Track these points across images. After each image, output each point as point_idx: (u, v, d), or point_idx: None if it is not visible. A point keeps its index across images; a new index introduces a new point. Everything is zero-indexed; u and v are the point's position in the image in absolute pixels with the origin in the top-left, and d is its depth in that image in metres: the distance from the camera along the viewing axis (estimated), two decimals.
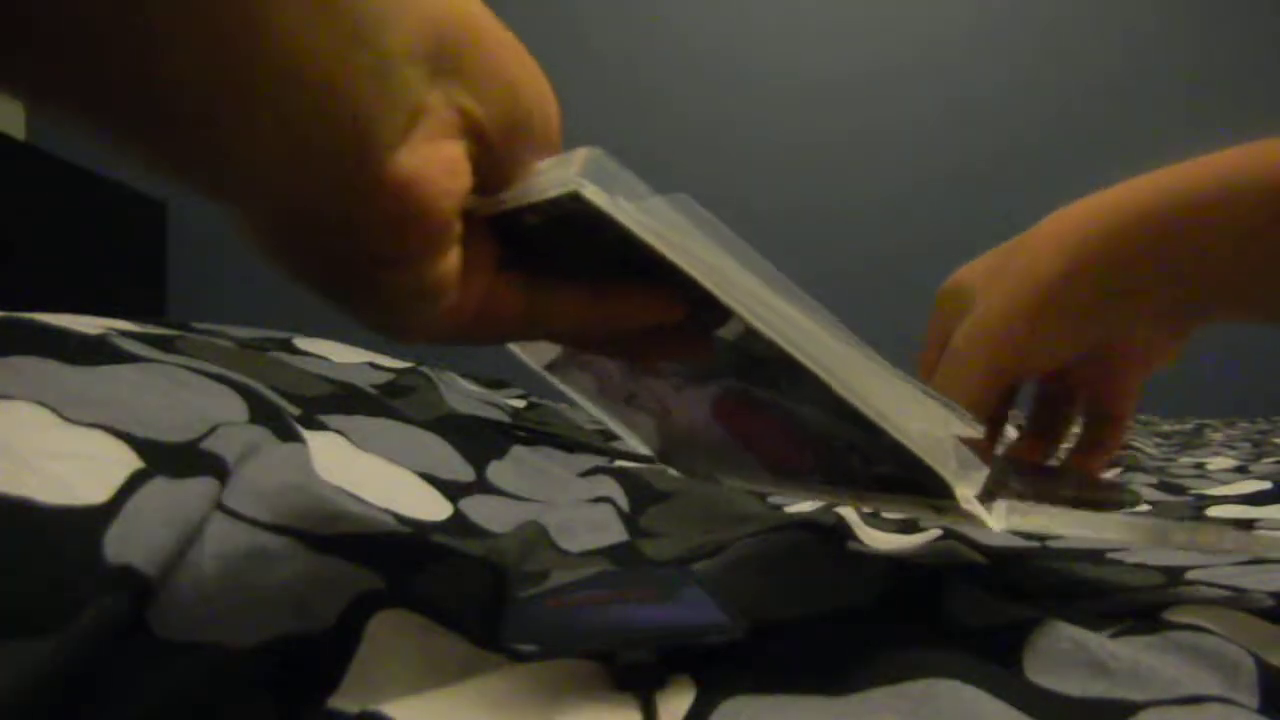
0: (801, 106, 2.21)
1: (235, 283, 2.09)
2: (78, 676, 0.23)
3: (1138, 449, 1.10)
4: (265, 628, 0.28)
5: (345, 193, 0.19)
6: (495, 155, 0.22)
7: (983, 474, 0.27)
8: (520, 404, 1.01)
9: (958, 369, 0.35)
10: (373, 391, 0.64)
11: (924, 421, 0.26)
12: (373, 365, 0.77)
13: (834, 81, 2.21)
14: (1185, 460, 1.04)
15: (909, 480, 0.28)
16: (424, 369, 0.82)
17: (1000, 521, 0.28)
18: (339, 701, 0.26)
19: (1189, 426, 1.64)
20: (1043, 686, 0.28)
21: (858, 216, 2.19)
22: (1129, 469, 0.86)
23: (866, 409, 0.25)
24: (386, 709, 0.25)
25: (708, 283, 0.23)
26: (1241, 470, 0.90)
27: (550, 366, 0.39)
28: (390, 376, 0.74)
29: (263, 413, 0.46)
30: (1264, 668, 0.28)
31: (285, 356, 0.67)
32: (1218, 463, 0.99)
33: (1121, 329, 0.35)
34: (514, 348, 0.37)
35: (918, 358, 0.41)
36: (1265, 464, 0.94)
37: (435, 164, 0.20)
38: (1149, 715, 0.26)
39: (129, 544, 0.29)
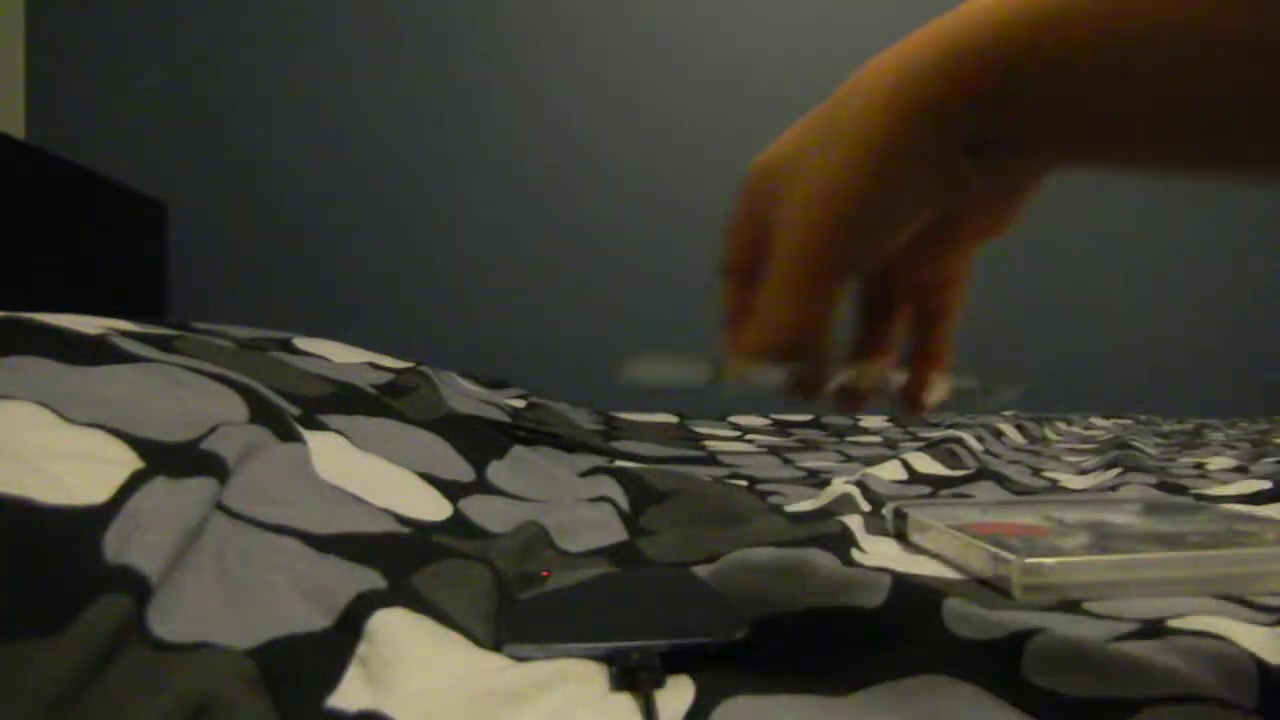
0: (801, 107, 2.21)
1: (235, 283, 2.10)
2: (78, 676, 0.23)
3: (1138, 449, 1.10)
4: (265, 628, 0.28)
5: None
6: None
7: None
8: (520, 404, 1.01)
9: (782, 267, 0.29)
10: (373, 391, 0.64)
11: None
12: (373, 365, 0.77)
13: (835, 82, 2.21)
14: (1185, 460, 1.04)
15: None
16: (424, 369, 0.82)
17: None
18: (339, 701, 0.26)
19: (1189, 426, 1.64)
20: (1041, 686, 0.28)
21: None
22: (1130, 469, 0.86)
23: None
24: (386, 709, 0.25)
25: None
26: (1241, 470, 0.90)
27: None
28: (390, 376, 0.74)
29: (263, 413, 0.46)
30: (1264, 669, 0.28)
31: (285, 356, 0.67)
32: (1218, 463, 0.99)
33: (961, 191, 0.28)
34: None
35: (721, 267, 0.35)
36: (1265, 464, 0.94)
37: None
38: (1147, 715, 0.26)
39: (129, 544, 0.29)
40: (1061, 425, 1.59)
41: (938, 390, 0.36)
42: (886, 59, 0.28)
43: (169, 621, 0.27)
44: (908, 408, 0.36)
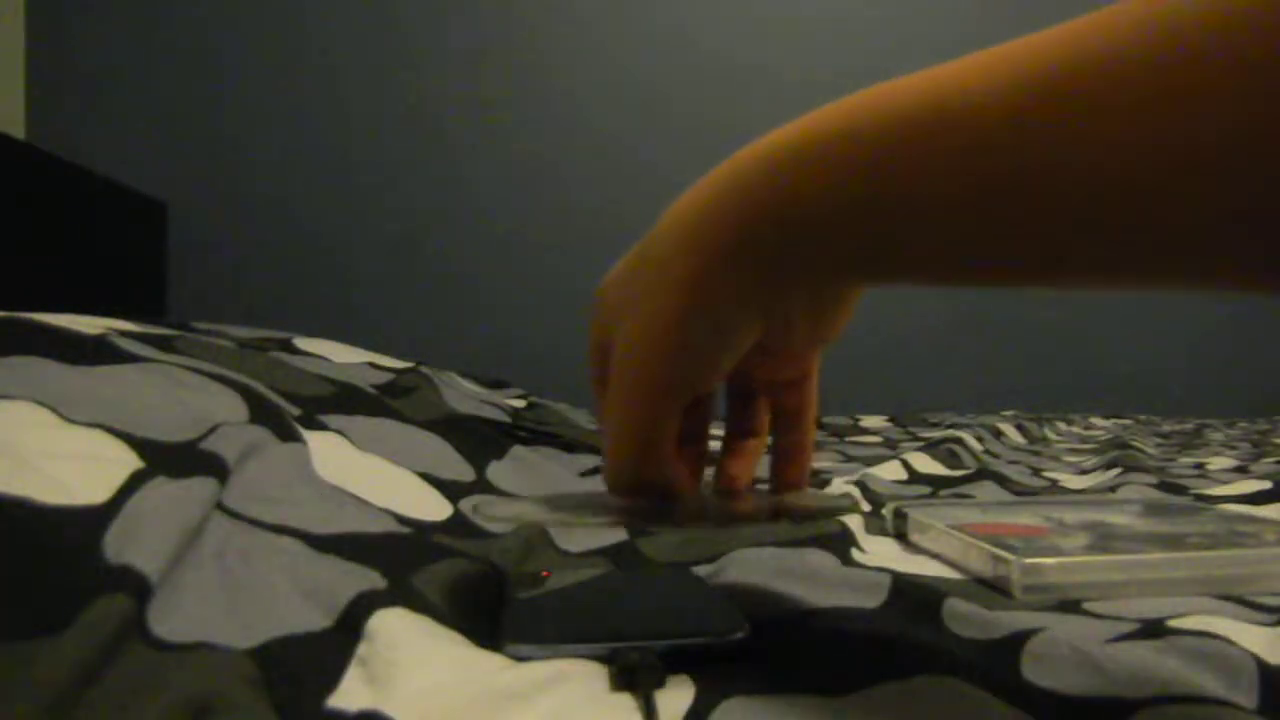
0: (801, 107, 2.21)
1: (235, 283, 2.10)
2: (78, 676, 0.23)
3: (1138, 449, 1.09)
4: (265, 628, 0.28)
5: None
6: None
7: None
8: (520, 404, 1.01)
9: (615, 415, 0.32)
10: (373, 391, 0.64)
11: None
12: (373, 365, 0.77)
13: (835, 82, 2.22)
14: (1185, 460, 1.04)
15: None
16: (424, 369, 0.82)
17: None
18: (339, 701, 0.26)
19: (1189, 426, 1.64)
20: (1040, 686, 0.28)
21: None
22: (1129, 469, 0.86)
23: None
24: (386, 709, 0.25)
25: None
26: (1241, 470, 0.90)
27: None
28: (390, 376, 0.74)
29: (263, 413, 0.46)
30: (1264, 669, 0.28)
31: (285, 356, 0.67)
32: (1218, 463, 0.99)
33: (776, 313, 0.30)
34: None
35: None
36: (1265, 464, 0.94)
37: None
38: (1146, 714, 0.26)
39: (129, 544, 0.29)
40: (1061, 425, 1.59)
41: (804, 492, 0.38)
42: (687, 200, 0.30)
43: (169, 621, 0.27)
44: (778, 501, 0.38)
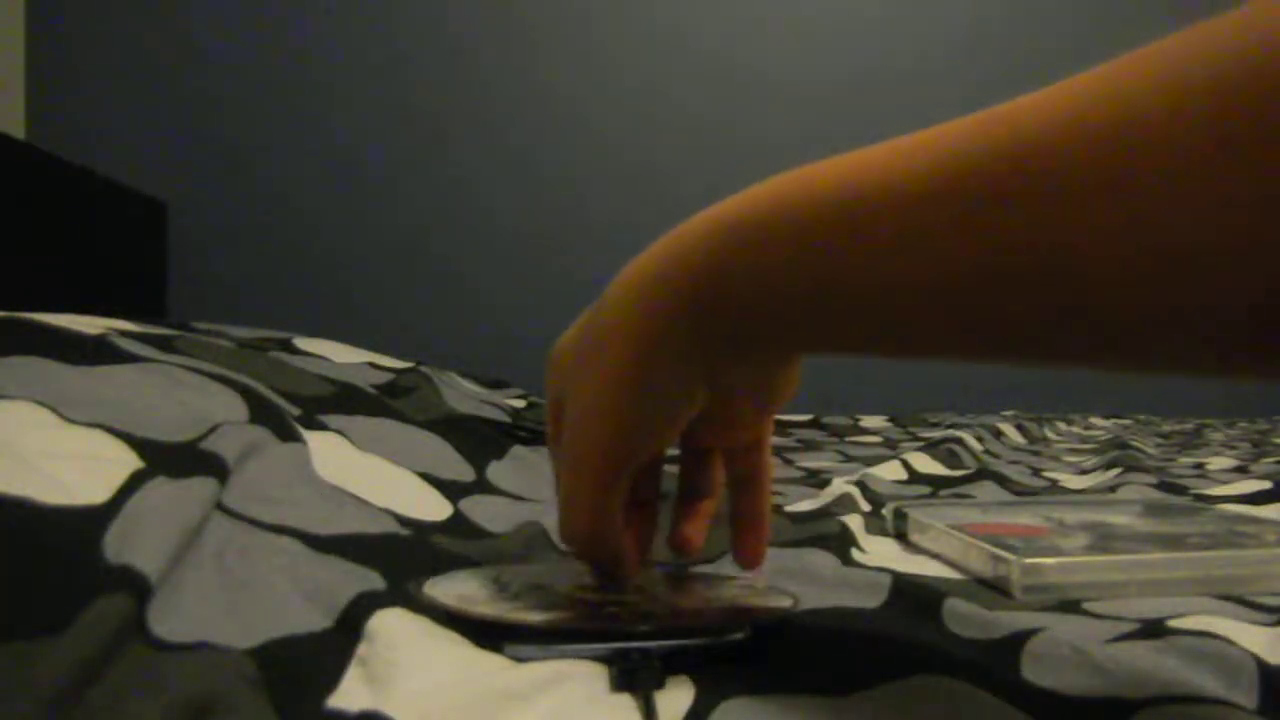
0: (803, 107, 2.21)
1: (235, 283, 2.10)
2: (78, 676, 0.23)
3: (1138, 449, 1.09)
4: (265, 628, 0.28)
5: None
6: None
7: None
8: (520, 404, 1.01)
9: (567, 484, 0.32)
10: (373, 391, 0.64)
11: None
12: (373, 365, 0.77)
13: (835, 82, 2.21)
14: (1185, 460, 1.04)
15: None
16: (424, 369, 0.82)
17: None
18: (339, 701, 0.26)
19: (1189, 426, 1.64)
20: (1040, 686, 0.28)
21: None
22: (1130, 469, 0.86)
23: None
24: (387, 709, 0.25)
25: None
26: (1241, 470, 0.90)
27: None
28: (390, 376, 0.74)
29: (263, 413, 0.46)
30: (1264, 669, 0.28)
31: (285, 356, 0.67)
32: (1218, 463, 0.99)
33: (718, 381, 0.30)
34: None
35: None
36: (1265, 464, 0.94)
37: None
38: (1146, 714, 0.26)
39: (129, 544, 0.29)
40: (1061, 425, 1.59)
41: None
42: (635, 267, 0.30)
43: (169, 621, 0.27)
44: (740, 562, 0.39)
